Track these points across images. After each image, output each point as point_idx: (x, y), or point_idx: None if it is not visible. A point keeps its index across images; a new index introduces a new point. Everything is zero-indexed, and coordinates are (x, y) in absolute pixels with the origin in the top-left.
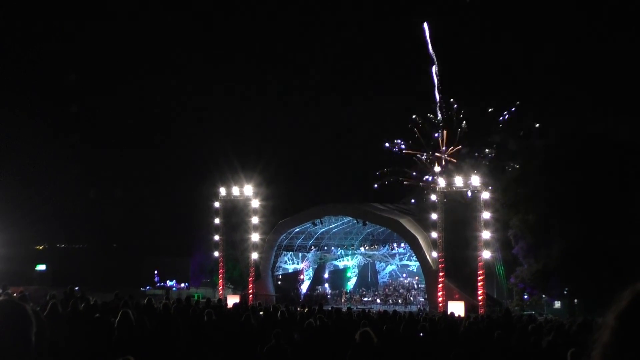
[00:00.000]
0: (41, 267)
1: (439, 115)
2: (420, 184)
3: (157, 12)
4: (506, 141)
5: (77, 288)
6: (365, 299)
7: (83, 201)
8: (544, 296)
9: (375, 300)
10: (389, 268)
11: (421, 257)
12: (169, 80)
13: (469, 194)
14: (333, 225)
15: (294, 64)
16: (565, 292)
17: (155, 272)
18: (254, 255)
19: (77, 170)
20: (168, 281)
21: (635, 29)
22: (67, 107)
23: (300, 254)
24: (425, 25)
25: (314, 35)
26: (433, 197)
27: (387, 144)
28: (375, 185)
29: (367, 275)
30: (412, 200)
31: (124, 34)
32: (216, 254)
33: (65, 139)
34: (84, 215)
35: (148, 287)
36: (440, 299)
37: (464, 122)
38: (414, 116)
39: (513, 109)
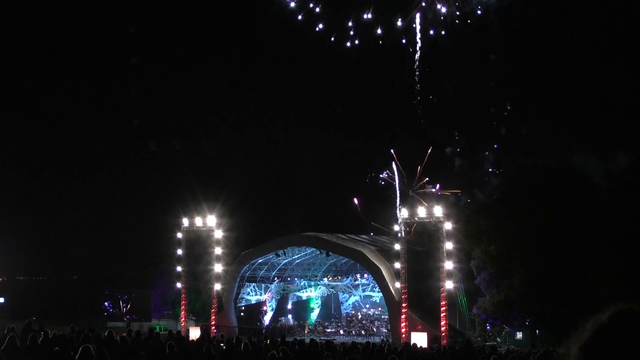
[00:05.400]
0: None
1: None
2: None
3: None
4: (469, 175)
5: (34, 318)
6: (329, 330)
7: (42, 233)
8: (505, 327)
9: (339, 331)
10: (352, 299)
11: (384, 288)
12: (128, 112)
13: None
14: (296, 256)
15: (260, 95)
16: (527, 323)
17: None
18: (217, 287)
19: (36, 201)
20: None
21: (593, 65)
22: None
23: (263, 285)
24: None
25: (285, 67)
26: (396, 228)
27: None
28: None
29: (330, 306)
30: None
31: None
32: (178, 285)
33: (24, 170)
34: (43, 247)
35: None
36: (403, 330)
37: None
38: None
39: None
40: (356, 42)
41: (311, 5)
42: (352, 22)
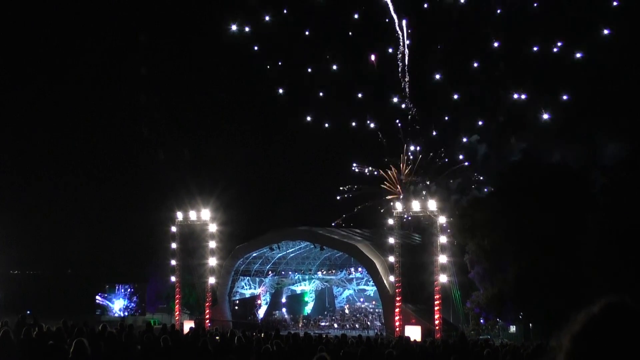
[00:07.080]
0: None
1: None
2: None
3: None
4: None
5: (29, 312)
6: (323, 323)
7: (37, 227)
8: (499, 321)
9: (333, 325)
10: (346, 293)
11: (378, 282)
12: (123, 107)
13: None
14: (290, 250)
15: (250, 87)
16: (520, 317)
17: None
18: (211, 281)
19: (30, 196)
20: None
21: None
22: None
23: (257, 279)
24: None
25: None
26: (390, 222)
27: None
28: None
29: (325, 300)
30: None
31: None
32: (173, 279)
33: (19, 164)
34: (37, 241)
35: (98, 311)
36: (397, 324)
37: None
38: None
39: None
40: None
41: None
42: None
